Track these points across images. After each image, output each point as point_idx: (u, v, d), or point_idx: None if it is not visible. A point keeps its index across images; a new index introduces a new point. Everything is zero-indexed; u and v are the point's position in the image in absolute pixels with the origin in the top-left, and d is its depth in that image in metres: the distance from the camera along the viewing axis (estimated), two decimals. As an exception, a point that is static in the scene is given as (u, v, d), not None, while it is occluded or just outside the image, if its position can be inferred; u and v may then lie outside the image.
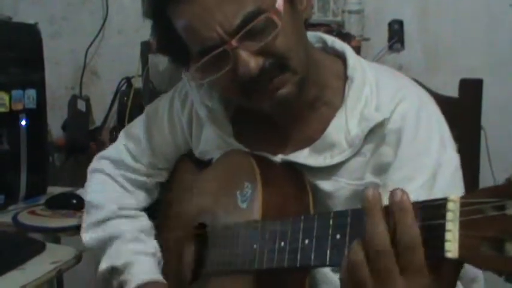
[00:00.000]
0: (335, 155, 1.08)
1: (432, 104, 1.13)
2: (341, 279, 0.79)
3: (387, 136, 1.06)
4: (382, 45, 2.42)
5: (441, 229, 0.70)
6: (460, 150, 1.19)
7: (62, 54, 2.80)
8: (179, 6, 1.00)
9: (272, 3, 0.99)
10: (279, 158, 1.13)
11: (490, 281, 0.95)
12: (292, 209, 1.04)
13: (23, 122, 1.91)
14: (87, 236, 1.33)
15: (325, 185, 1.09)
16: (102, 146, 2.42)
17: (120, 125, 2.57)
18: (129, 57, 2.60)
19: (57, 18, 2.82)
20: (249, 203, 1.05)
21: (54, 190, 2.01)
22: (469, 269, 0.98)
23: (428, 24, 2.39)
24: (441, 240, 0.69)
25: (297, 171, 1.11)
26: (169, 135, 1.31)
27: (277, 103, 1.04)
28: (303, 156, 1.11)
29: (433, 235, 0.71)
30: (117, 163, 1.37)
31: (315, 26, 2.08)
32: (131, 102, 2.53)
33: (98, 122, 2.80)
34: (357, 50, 2.14)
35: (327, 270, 1.09)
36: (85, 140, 2.67)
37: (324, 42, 1.19)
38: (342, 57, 1.15)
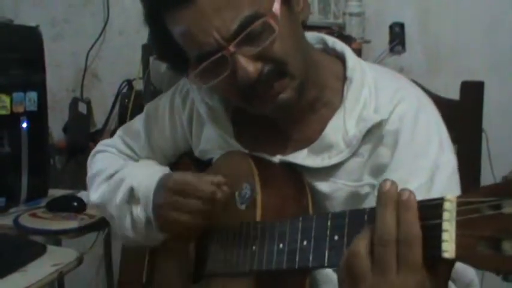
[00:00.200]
0: (333, 155, 1.08)
1: (431, 105, 1.13)
2: (339, 274, 0.80)
3: (385, 137, 1.06)
4: (383, 47, 2.42)
5: (438, 229, 0.70)
6: (461, 153, 1.19)
7: (63, 57, 2.80)
8: (176, 13, 1.00)
9: (269, 7, 0.98)
10: (277, 158, 1.13)
11: (489, 282, 0.95)
12: (291, 210, 1.04)
13: (24, 125, 1.92)
14: (96, 194, 1.30)
15: (323, 186, 1.10)
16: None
17: (121, 127, 2.57)
18: (130, 60, 2.60)
19: (58, 20, 2.82)
20: (247, 204, 1.06)
21: (55, 192, 2.01)
22: (464, 274, 0.99)
23: (429, 26, 2.39)
24: (438, 240, 0.69)
25: (295, 172, 1.11)
26: (169, 133, 1.31)
27: (278, 108, 1.04)
28: (301, 157, 1.11)
29: (430, 235, 0.71)
30: (117, 149, 1.38)
31: (316, 29, 2.07)
32: (132, 105, 2.53)
33: (99, 124, 2.80)
34: (358, 53, 2.14)
35: (328, 270, 1.09)
36: (86, 143, 2.67)
37: (325, 43, 1.20)
38: (341, 59, 1.15)
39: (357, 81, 1.10)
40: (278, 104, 1.03)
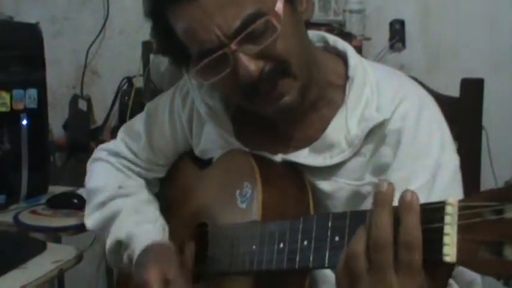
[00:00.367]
0: (334, 155, 1.08)
1: (433, 104, 1.12)
2: (336, 274, 0.79)
3: (387, 136, 1.06)
4: (383, 44, 2.42)
5: (439, 233, 0.69)
6: (461, 150, 1.19)
7: (63, 54, 2.80)
8: (178, 8, 0.99)
9: (272, 6, 0.98)
10: (279, 157, 1.13)
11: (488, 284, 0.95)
12: (292, 210, 1.04)
13: (24, 122, 1.91)
14: (90, 221, 1.33)
15: (324, 185, 1.09)
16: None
17: (121, 124, 2.54)
18: (130, 57, 2.61)
19: (58, 17, 2.83)
20: (248, 203, 1.05)
21: (55, 189, 2.01)
22: (466, 272, 0.99)
23: (429, 23, 2.39)
24: (439, 244, 0.69)
25: (297, 171, 1.11)
26: (169, 133, 1.31)
27: (281, 110, 1.04)
28: (303, 156, 1.11)
29: (431, 238, 0.70)
30: (116, 154, 1.38)
31: (316, 26, 2.07)
32: (132, 102, 2.53)
33: (99, 121, 2.80)
34: (358, 50, 2.14)
35: (327, 271, 1.09)
36: (86, 140, 2.68)
37: (326, 41, 1.19)
38: (343, 57, 1.15)
39: (359, 80, 1.09)
40: (280, 107, 1.03)
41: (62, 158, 2.80)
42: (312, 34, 1.19)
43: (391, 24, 2.42)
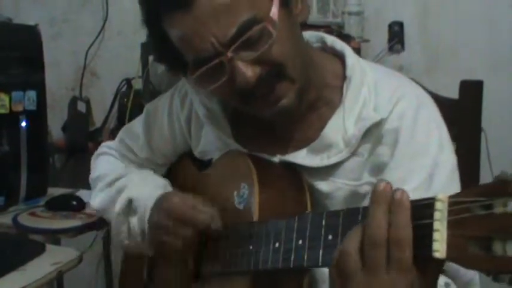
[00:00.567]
0: (332, 155, 1.08)
1: (431, 103, 1.12)
2: (330, 273, 0.80)
3: (384, 136, 1.06)
4: (382, 46, 2.42)
5: (429, 229, 0.70)
6: (460, 152, 1.19)
7: (62, 56, 2.81)
8: (173, 17, 0.99)
9: (267, 11, 0.97)
10: (277, 158, 1.13)
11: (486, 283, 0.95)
12: (289, 210, 1.04)
13: (23, 123, 1.92)
14: (97, 200, 1.33)
15: (322, 185, 1.10)
16: (102, 147, 2.42)
17: (120, 126, 2.55)
18: (129, 59, 2.61)
19: (57, 19, 2.83)
20: (246, 204, 1.06)
21: (54, 191, 2.01)
22: (464, 272, 0.99)
23: (428, 25, 2.39)
24: (429, 240, 0.69)
25: (295, 171, 1.11)
26: (168, 134, 1.31)
27: (278, 113, 1.04)
28: (301, 157, 1.11)
29: (421, 234, 0.71)
30: (118, 152, 1.39)
31: (315, 28, 2.07)
32: (131, 104, 2.53)
33: (98, 123, 2.80)
34: (357, 52, 2.12)
35: (326, 270, 1.09)
36: (85, 141, 2.68)
37: (324, 42, 1.19)
38: (341, 57, 1.15)
39: (356, 80, 1.10)
40: (278, 109, 1.03)
41: (61, 160, 2.80)
42: (310, 34, 1.19)
43: (390, 26, 2.42)
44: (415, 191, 0.99)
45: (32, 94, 1.94)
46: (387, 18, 2.42)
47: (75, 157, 2.71)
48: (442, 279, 0.99)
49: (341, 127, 1.08)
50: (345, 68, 1.12)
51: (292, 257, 0.89)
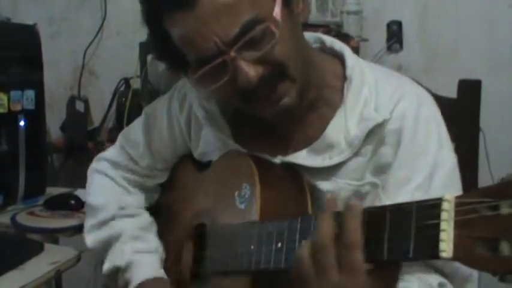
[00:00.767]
0: (334, 155, 1.08)
1: (431, 102, 1.13)
2: (290, 274, 0.86)
3: (387, 137, 1.07)
4: (380, 45, 2.42)
5: (436, 229, 0.70)
6: (459, 151, 1.18)
7: (61, 55, 2.80)
8: (175, 16, 0.99)
9: (270, 11, 0.97)
10: (278, 159, 1.13)
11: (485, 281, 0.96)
12: (290, 210, 1.04)
13: (22, 123, 1.91)
14: (90, 239, 1.34)
15: (325, 185, 1.10)
16: (100, 147, 2.42)
17: (119, 125, 2.57)
18: (127, 58, 2.60)
19: (56, 19, 2.82)
20: (247, 204, 1.05)
21: (52, 191, 2.01)
22: (462, 268, 1.00)
23: (427, 24, 2.40)
24: (436, 240, 0.70)
25: (295, 172, 1.11)
26: (167, 137, 1.31)
27: (279, 112, 1.04)
28: (302, 157, 1.11)
29: (428, 235, 0.71)
30: (116, 164, 1.37)
31: (314, 27, 2.08)
32: (129, 103, 2.53)
33: (96, 122, 2.80)
34: (356, 51, 2.14)
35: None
36: (83, 141, 2.67)
37: (323, 42, 1.19)
38: (340, 58, 1.15)
39: (357, 81, 1.10)
40: (279, 109, 1.03)
41: (59, 159, 2.79)
42: (309, 36, 1.19)
43: (389, 25, 2.42)
44: (416, 190, 1.00)
45: (30, 93, 1.93)
46: (386, 17, 2.42)
47: (74, 156, 2.71)
48: (435, 279, 1.00)
49: (343, 127, 1.08)
50: (344, 69, 1.12)
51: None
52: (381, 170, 1.07)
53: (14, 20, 2.34)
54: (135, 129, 1.37)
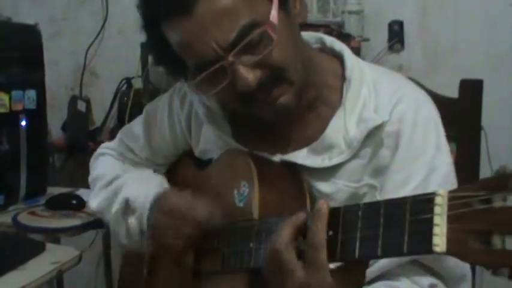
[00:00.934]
0: (333, 156, 1.09)
1: (429, 104, 1.13)
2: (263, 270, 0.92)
3: (385, 139, 1.07)
4: (382, 45, 2.42)
5: (429, 223, 0.70)
6: (460, 151, 1.19)
7: (62, 55, 2.80)
8: (172, 21, 0.99)
9: (266, 14, 0.97)
10: (278, 157, 1.13)
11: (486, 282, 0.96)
12: (289, 209, 1.04)
13: (23, 123, 1.92)
14: (94, 202, 1.33)
15: (323, 186, 1.10)
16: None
17: (120, 125, 2.56)
18: (129, 58, 2.60)
19: (57, 18, 2.82)
20: (245, 202, 1.06)
21: (54, 190, 2.01)
22: (456, 268, 1.01)
23: (428, 24, 2.39)
24: (429, 234, 0.70)
25: (295, 171, 1.11)
26: (168, 134, 1.31)
27: (277, 112, 1.05)
28: (301, 157, 1.11)
29: (421, 229, 0.71)
30: (118, 152, 1.39)
31: (315, 27, 2.07)
32: (131, 103, 2.53)
33: (98, 122, 2.80)
34: (357, 51, 2.14)
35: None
36: (85, 141, 2.68)
37: (323, 42, 1.19)
38: (340, 58, 1.15)
39: (356, 81, 1.10)
40: (277, 108, 1.04)
41: (60, 159, 2.79)
42: (309, 35, 1.19)
43: (390, 25, 2.42)
44: (413, 192, 1.00)
45: (31, 93, 1.94)
46: (387, 17, 2.42)
47: (75, 156, 2.71)
48: (426, 280, 1.00)
49: (342, 128, 1.08)
50: (344, 69, 1.12)
51: None
52: (379, 172, 1.08)
53: (15, 19, 2.34)
54: (135, 127, 1.38)
